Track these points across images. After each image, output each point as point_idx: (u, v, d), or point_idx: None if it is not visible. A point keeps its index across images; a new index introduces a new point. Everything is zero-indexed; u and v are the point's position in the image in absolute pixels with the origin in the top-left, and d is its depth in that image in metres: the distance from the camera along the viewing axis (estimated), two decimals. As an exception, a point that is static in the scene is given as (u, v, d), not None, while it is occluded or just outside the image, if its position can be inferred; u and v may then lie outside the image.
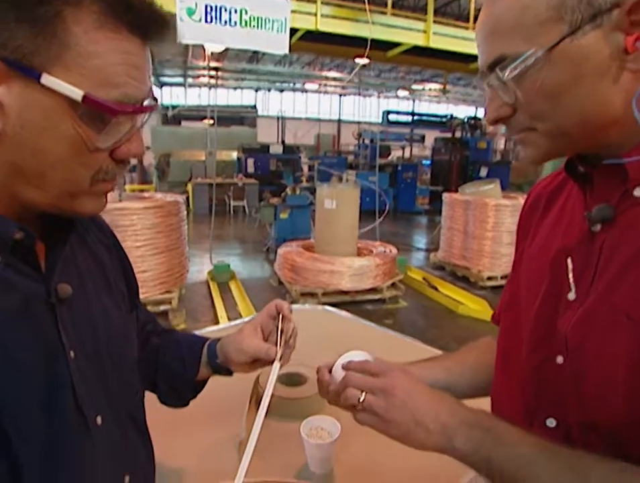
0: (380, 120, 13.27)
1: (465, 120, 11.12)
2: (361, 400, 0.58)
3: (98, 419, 0.53)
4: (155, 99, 0.50)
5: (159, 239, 4.10)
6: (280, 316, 0.74)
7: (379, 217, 5.89)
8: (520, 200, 5.42)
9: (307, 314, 1.81)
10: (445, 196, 5.95)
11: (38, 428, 0.46)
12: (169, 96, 18.72)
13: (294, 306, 1.95)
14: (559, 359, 0.55)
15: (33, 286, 0.48)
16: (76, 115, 0.43)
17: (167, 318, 4.07)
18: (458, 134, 11.23)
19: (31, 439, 0.45)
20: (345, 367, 0.65)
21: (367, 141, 12.43)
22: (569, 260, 0.56)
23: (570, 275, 0.56)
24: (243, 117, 15.82)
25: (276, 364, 0.71)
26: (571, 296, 0.55)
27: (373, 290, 4.60)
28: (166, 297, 4.15)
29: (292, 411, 1.01)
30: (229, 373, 0.77)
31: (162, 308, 4.12)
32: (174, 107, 14.61)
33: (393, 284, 4.80)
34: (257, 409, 0.66)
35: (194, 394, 0.80)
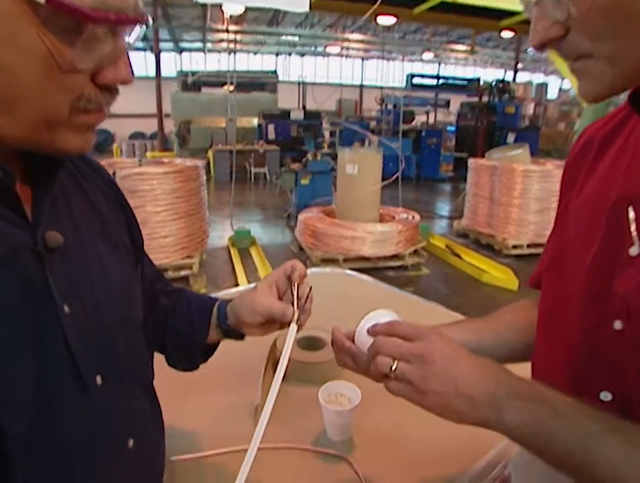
0: (403, 85, 12.81)
1: (493, 83, 10.65)
2: (393, 368, 0.52)
3: (98, 379, 0.50)
4: (144, 15, 0.43)
5: (179, 204, 4.10)
6: (296, 277, 0.69)
7: (393, 182, 5.75)
8: (550, 166, 5.21)
9: (327, 278, 1.76)
10: (471, 161, 5.76)
11: (26, 386, 0.42)
12: (188, 62, 18.45)
13: (314, 269, 1.92)
14: (617, 325, 0.48)
15: (19, 234, 0.43)
16: (39, 19, 0.36)
17: (188, 283, 4.10)
18: (485, 98, 10.78)
19: (18, 399, 0.41)
20: (372, 332, 0.59)
21: (390, 107, 12.08)
22: (630, 209, 0.48)
23: (633, 226, 0.48)
24: (264, 82, 15.50)
25: (293, 326, 0.66)
26: (634, 250, 0.47)
27: (395, 256, 4.54)
28: (186, 262, 4.18)
29: (310, 376, 0.97)
30: (240, 337, 0.72)
31: (183, 273, 4.15)
32: (193, 73, 14.40)
33: (415, 251, 4.72)
34: (274, 374, 0.61)
35: (205, 358, 0.76)
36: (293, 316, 0.66)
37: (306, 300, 0.68)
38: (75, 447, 0.47)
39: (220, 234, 5.85)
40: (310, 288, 0.69)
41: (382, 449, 0.80)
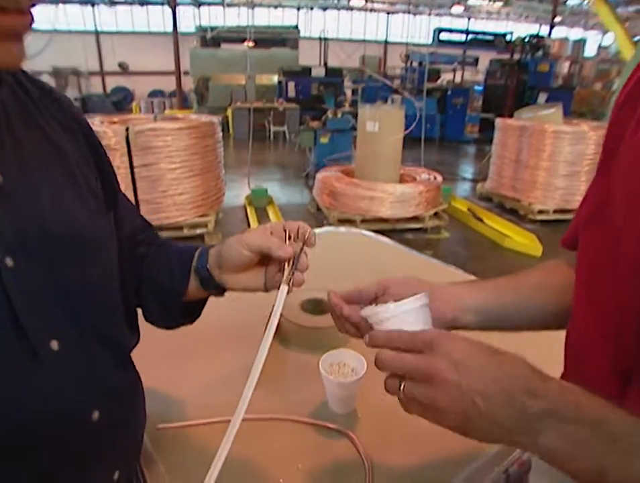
0: (430, 41, 12.22)
1: (527, 39, 10.02)
2: (401, 389, 0.43)
3: (54, 344, 0.43)
4: None
5: (194, 161, 4.01)
6: (290, 234, 0.59)
7: (415, 143, 5.52)
8: (584, 127, 4.90)
9: (342, 238, 1.67)
10: (498, 121, 5.46)
11: None
12: (207, 17, 17.89)
13: (328, 228, 1.83)
14: None
15: None
16: None
17: (203, 242, 4.07)
18: (517, 56, 10.19)
19: None
20: (370, 340, 0.48)
21: (415, 64, 11.56)
22: None
23: None
24: (285, 38, 14.99)
25: (284, 287, 0.57)
26: None
27: (414, 218, 4.40)
28: (202, 220, 4.13)
29: (312, 342, 0.89)
30: (218, 289, 0.63)
31: (199, 231, 4.11)
32: (212, 29, 13.96)
33: (436, 214, 4.57)
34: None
35: (190, 319, 0.68)
36: (285, 270, 0.57)
37: (299, 254, 0.58)
38: (27, 421, 0.41)
39: (237, 193, 5.80)
40: (304, 244, 0.59)
41: (386, 425, 0.72)
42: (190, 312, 0.67)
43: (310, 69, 12.01)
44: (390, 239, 1.64)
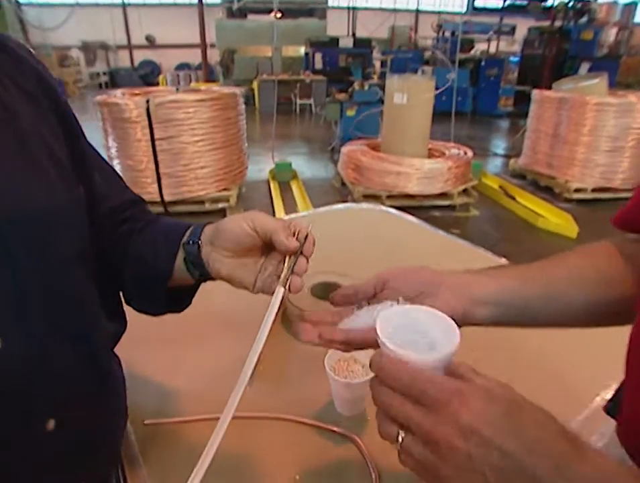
0: (463, 9, 11.63)
1: (570, 3, 9.38)
2: (399, 440, 0.34)
3: None
4: None
5: (216, 133, 3.92)
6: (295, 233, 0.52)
7: (445, 117, 5.27)
8: (632, 98, 4.55)
9: (364, 215, 1.56)
10: (535, 93, 5.13)
11: None
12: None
13: (350, 204, 1.72)
14: None
15: None
16: None
17: (225, 216, 4.01)
18: (558, 23, 9.58)
19: None
20: (375, 366, 0.36)
21: (447, 34, 11.05)
22: None
23: None
24: (312, 8, 14.55)
25: (279, 289, 0.49)
26: None
27: (442, 195, 4.23)
28: (224, 195, 4.07)
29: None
30: (201, 271, 0.54)
31: (220, 205, 4.05)
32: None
33: (465, 191, 4.38)
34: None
35: (174, 306, 0.59)
36: (282, 270, 0.50)
37: (299, 253, 0.50)
38: None
39: (261, 167, 5.72)
40: (303, 245, 0.51)
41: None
42: (176, 298, 0.58)
43: (338, 40, 11.67)
44: (415, 218, 1.52)
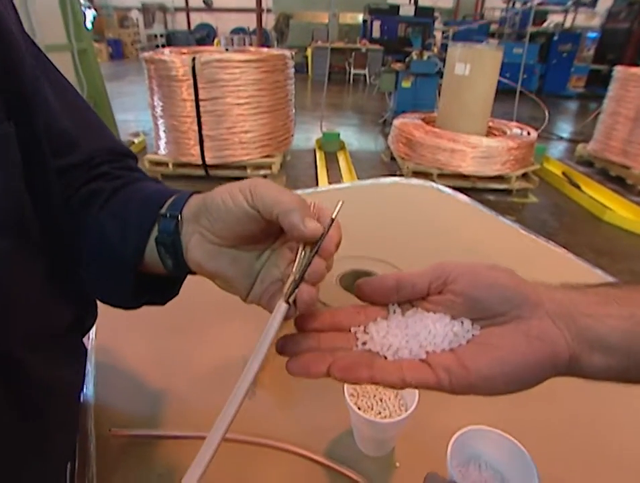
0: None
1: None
2: None
3: None
4: None
5: (262, 97, 3.75)
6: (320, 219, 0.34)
7: (508, 95, 4.84)
8: None
9: (411, 191, 1.36)
10: (618, 70, 4.58)
11: None
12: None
13: (395, 178, 1.52)
14: None
15: None
16: None
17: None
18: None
19: None
20: None
21: (518, 5, 10.22)
22: None
23: None
24: (375, -27, 13.88)
25: (281, 304, 0.31)
26: None
27: (499, 178, 3.89)
28: (266, 161, 3.92)
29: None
30: (175, 258, 0.37)
31: (262, 172, 3.92)
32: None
33: (524, 175, 4.01)
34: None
35: (148, 297, 0.42)
36: (289, 277, 0.32)
37: (308, 264, 0.32)
38: None
39: (309, 136, 5.55)
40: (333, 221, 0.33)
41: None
42: (153, 289, 0.42)
43: (398, 8, 11.08)
44: (470, 199, 1.31)
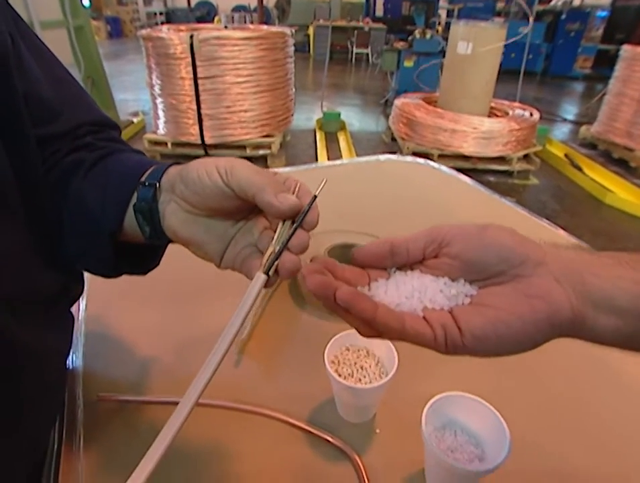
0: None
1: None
2: None
3: None
4: None
5: (261, 75, 3.71)
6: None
7: (512, 76, 4.76)
8: None
9: (405, 169, 1.35)
10: (625, 49, 4.49)
11: None
12: None
13: (392, 156, 1.51)
14: None
15: None
16: None
17: (266, 164, 3.86)
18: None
19: None
20: None
21: (526, -18, 9.98)
22: None
23: None
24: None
25: (259, 275, 0.32)
26: None
27: (500, 159, 3.86)
28: (266, 141, 3.90)
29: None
30: (156, 230, 0.38)
31: (262, 152, 3.89)
32: None
33: (526, 157, 3.98)
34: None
35: (131, 267, 0.43)
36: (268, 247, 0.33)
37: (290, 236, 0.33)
38: None
39: (309, 116, 5.51)
40: (314, 199, 0.34)
41: (413, 448, 0.46)
42: (134, 258, 0.43)
43: (403, -16, 10.85)
44: (469, 178, 1.30)
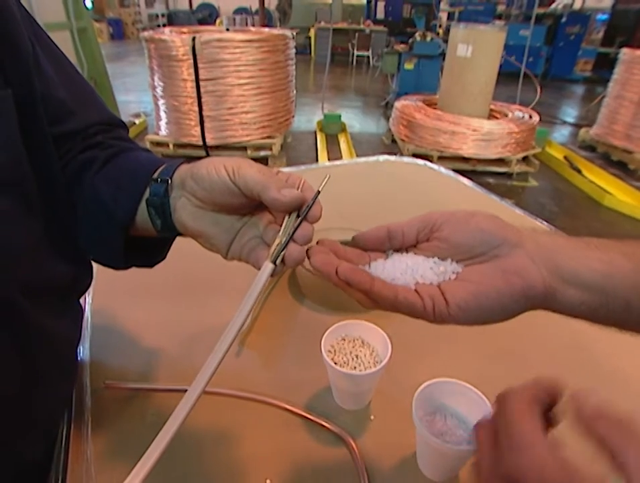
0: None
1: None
2: None
3: None
4: None
5: (263, 77, 3.74)
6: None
7: (511, 79, 4.79)
8: None
9: (403, 170, 1.38)
10: (625, 52, 4.52)
11: None
12: None
13: (391, 157, 1.53)
14: None
15: None
16: None
17: (267, 165, 3.89)
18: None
19: None
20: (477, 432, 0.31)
21: (526, -14, 10.03)
22: None
23: None
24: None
25: (267, 264, 0.35)
26: None
27: (499, 161, 3.89)
28: (267, 142, 3.93)
29: (333, 300, 0.66)
30: (167, 224, 0.40)
31: (263, 153, 3.92)
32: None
33: (525, 159, 4.01)
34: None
35: (140, 259, 0.46)
36: (276, 238, 0.36)
37: (296, 227, 0.36)
38: None
39: (310, 118, 5.54)
40: (318, 194, 0.37)
41: (404, 435, 0.48)
42: (143, 251, 0.45)
43: (403, -13, 10.89)
44: (467, 180, 1.33)
